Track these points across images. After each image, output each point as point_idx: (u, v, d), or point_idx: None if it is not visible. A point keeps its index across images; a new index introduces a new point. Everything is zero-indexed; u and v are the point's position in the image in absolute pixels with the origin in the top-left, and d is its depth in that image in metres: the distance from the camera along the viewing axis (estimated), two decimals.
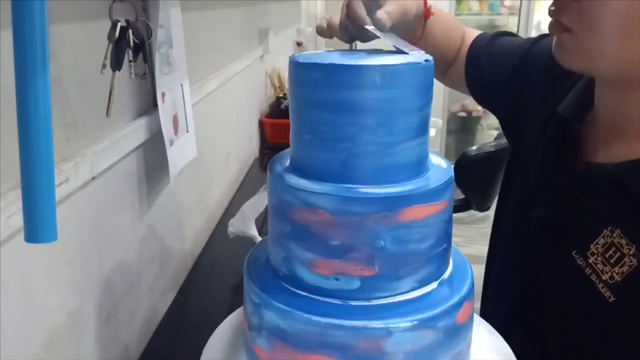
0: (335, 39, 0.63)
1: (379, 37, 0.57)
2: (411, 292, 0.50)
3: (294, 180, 0.50)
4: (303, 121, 0.51)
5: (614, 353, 0.59)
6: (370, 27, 0.57)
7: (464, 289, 0.51)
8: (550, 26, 0.60)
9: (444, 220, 0.51)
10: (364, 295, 0.49)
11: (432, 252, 0.51)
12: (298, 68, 0.50)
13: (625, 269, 0.57)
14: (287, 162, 0.55)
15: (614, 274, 0.58)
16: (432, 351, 0.49)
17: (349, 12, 0.58)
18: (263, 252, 0.57)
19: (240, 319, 0.62)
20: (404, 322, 0.47)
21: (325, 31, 0.62)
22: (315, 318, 0.47)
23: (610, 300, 0.57)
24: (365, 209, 0.47)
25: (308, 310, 0.47)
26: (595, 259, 0.59)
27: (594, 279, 0.59)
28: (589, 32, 0.55)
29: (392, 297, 0.50)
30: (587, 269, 0.60)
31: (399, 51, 0.52)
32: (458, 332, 0.51)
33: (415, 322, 0.47)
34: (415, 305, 0.49)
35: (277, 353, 0.50)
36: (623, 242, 0.57)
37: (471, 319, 0.54)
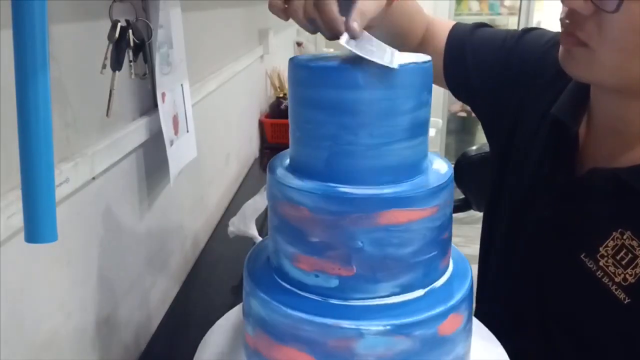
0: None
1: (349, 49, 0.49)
2: (391, 297, 0.49)
3: (281, 174, 0.52)
4: (293, 119, 0.52)
5: (627, 354, 0.59)
6: (343, 39, 0.48)
7: (452, 301, 0.49)
8: (563, 38, 0.59)
9: (432, 228, 0.49)
10: (342, 294, 0.49)
11: (416, 259, 0.49)
12: (292, 68, 0.52)
13: (638, 270, 0.57)
14: (287, 160, 0.56)
15: (627, 276, 0.58)
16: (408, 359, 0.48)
17: (319, 8, 0.49)
18: (264, 249, 0.58)
19: (237, 318, 0.63)
20: (376, 326, 0.46)
21: (281, 13, 0.53)
22: (290, 311, 0.48)
23: (625, 302, 0.58)
24: (343, 208, 0.47)
25: (285, 303, 0.49)
26: (606, 262, 0.59)
27: (606, 281, 0.59)
28: (608, 48, 0.54)
29: (369, 300, 0.49)
30: (599, 272, 0.60)
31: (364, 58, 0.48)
32: (440, 344, 0.49)
33: (389, 327, 0.46)
34: (392, 310, 0.48)
35: (258, 340, 0.52)
36: (634, 244, 0.57)
37: (463, 331, 0.52)
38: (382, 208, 0.47)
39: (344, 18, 0.49)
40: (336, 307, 0.49)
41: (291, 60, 0.52)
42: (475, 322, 0.60)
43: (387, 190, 0.47)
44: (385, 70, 0.46)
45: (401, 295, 0.50)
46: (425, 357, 0.48)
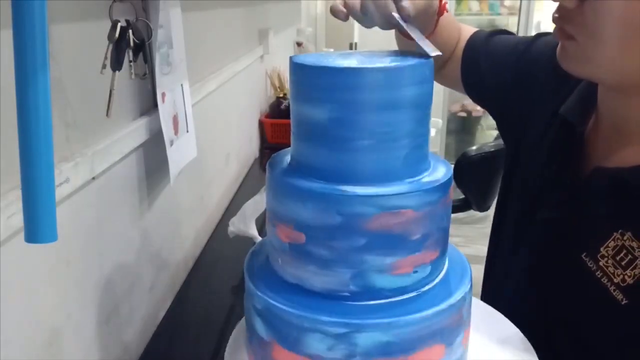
0: (335, 38, 0.63)
1: (402, 26, 0.57)
2: (446, 263, 0.56)
3: (363, 190, 0.48)
4: (359, 127, 0.48)
5: (625, 355, 0.59)
6: (395, 15, 0.57)
7: (463, 257, 0.59)
8: (555, 33, 0.60)
9: None
10: (430, 278, 0.52)
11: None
12: (350, 74, 0.48)
13: (637, 271, 0.57)
14: (302, 174, 0.52)
15: (626, 277, 0.58)
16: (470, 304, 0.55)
17: None
18: (265, 270, 0.55)
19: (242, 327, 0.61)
20: (466, 287, 0.52)
21: (341, 13, 0.58)
22: (420, 315, 0.48)
23: (622, 303, 0.58)
24: (436, 196, 0.50)
25: (408, 312, 0.48)
26: (606, 262, 0.59)
27: (605, 281, 0.59)
28: (592, 41, 0.55)
29: (443, 271, 0.54)
30: (598, 272, 0.60)
31: (418, 48, 0.53)
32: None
33: (469, 283, 0.53)
34: (460, 270, 0.55)
35: None
36: (634, 245, 0.57)
37: None
38: (449, 185, 0.52)
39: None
40: (437, 289, 0.52)
41: (335, 64, 0.48)
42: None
43: (442, 169, 0.53)
44: (430, 63, 0.50)
45: (445, 257, 0.56)
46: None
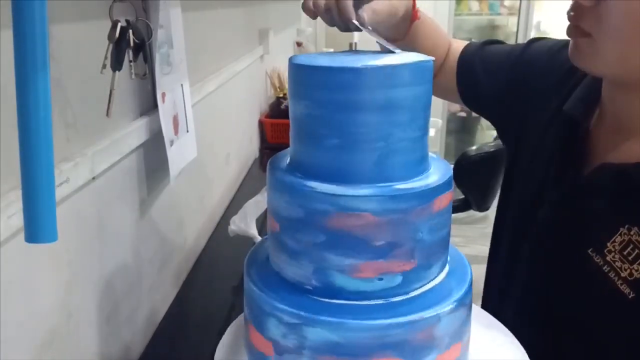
0: (335, 38, 0.64)
1: (360, 31, 0.61)
2: (437, 278, 0.53)
3: (324, 187, 0.48)
4: (328, 125, 0.49)
5: (633, 349, 0.59)
6: (355, 22, 0.60)
7: (468, 267, 0.55)
8: (569, 30, 0.61)
9: (450, 207, 0.53)
10: (403, 289, 0.50)
11: (448, 237, 0.53)
12: (322, 72, 0.48)
13: None
14: (291, 169, 0.53)
15: (633, 271, 0.58)
16: (463, 328, 0.52)
17: (338, 3, 0.60)
18: (263, 264, 0.56)
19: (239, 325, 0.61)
20: (448, 306, 0.49)
21: (310, 11, 0.63)
22: (372, 322, 0.47)
23: (630, 297, 0.58)
24: (407, 204, 0.48)
25: (361, 317, 0.47)
26: (613, 257, 0.60)
27: (612, 276, 0.60)
28: (607, 37, 0.56)
29: (426, 285, 0.52)
30: (605, 267, 0.60)
31: (385, 50, 0.54)
32: (471, 307, 0.54)
33: (456, 304, 0.50)
34: (448, 288, 0.52)
35: None
36: None
37: None
38: (436, 195, 0.49)
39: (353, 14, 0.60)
40: (408, 302, 0.50)
41: (310, 62, 0.49)
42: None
43: (432, 178, 0.51)
44: (422, 66, 0.49)
45: (441, 274, 0.53)
46: (468, 320, 0.53)
